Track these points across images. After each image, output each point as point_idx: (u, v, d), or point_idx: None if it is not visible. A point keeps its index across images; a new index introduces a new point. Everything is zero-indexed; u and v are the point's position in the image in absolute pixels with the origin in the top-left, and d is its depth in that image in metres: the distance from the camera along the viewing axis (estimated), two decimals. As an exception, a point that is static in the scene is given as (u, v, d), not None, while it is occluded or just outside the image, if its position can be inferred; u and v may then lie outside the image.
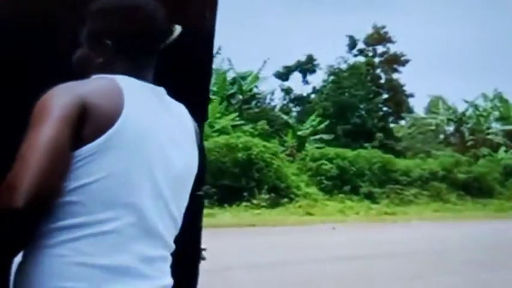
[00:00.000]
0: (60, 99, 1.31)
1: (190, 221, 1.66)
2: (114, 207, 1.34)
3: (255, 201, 17.63)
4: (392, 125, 32.91)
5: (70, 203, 1.31)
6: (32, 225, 1.27)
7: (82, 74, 1.46)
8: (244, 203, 17.50)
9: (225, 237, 11.54)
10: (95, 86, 1.39)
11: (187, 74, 2.22)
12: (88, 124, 1.31)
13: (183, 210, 1.52)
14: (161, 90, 1.51)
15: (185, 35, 1.56)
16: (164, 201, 1.42)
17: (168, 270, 1.48)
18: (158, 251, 1.43)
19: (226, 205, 17.08)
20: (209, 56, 2.43)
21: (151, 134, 1.40)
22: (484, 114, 32.43)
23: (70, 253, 1.30)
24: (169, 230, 1.46)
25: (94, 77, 1.44)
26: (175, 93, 1.56)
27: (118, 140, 1.34)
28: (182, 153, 1.49)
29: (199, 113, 1.78)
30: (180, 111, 1.56)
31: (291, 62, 32.03)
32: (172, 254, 1.48)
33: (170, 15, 1.54)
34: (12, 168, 1.24)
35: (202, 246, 2.50)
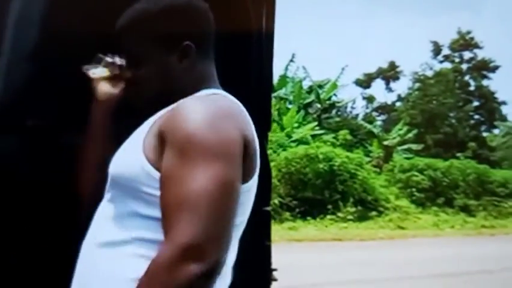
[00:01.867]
0: (225, 131, 1.20)
1: (257, 239, 1.67)
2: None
3: (340, 214, 16.61)
4: (485, 134, 31.60)
5: None
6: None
7: (147, 93, 1.37)
8: (328, 216, 16.52)
9: (309, 251, 11.26)
10: (242, 113, 1.29)
11: (246, 79, 2.09)
12: (245, 163, 1.22)
13: None
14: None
15: (242, 38, 1.56)
16: None
17: None
18: None
19: (309, 218, 16.17)
20: (269, 60, 2.26)
21: None
22: None
23: None
24: None
25: (217, 93, 1.33)
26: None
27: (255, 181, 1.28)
28: None
29: (261, 121, 1.71)
30: None
31: (371, 69, 31.05)
32: (237, 276, 1.43)
33: (224, 18, 1.49)
34: (179, 210, 1.12)
35: (273, 266, 2.29)
